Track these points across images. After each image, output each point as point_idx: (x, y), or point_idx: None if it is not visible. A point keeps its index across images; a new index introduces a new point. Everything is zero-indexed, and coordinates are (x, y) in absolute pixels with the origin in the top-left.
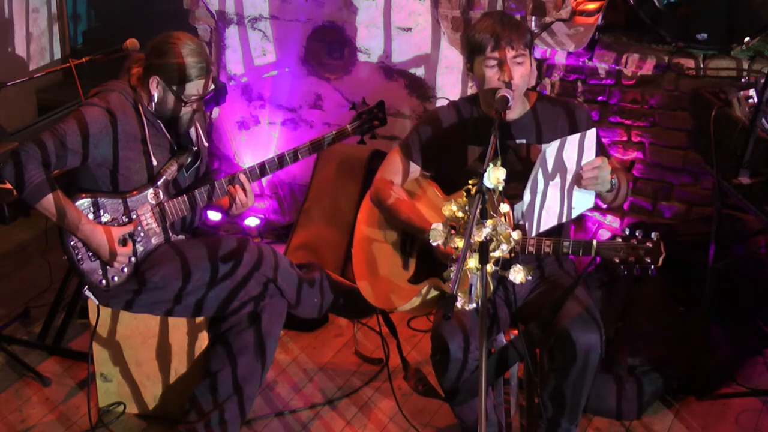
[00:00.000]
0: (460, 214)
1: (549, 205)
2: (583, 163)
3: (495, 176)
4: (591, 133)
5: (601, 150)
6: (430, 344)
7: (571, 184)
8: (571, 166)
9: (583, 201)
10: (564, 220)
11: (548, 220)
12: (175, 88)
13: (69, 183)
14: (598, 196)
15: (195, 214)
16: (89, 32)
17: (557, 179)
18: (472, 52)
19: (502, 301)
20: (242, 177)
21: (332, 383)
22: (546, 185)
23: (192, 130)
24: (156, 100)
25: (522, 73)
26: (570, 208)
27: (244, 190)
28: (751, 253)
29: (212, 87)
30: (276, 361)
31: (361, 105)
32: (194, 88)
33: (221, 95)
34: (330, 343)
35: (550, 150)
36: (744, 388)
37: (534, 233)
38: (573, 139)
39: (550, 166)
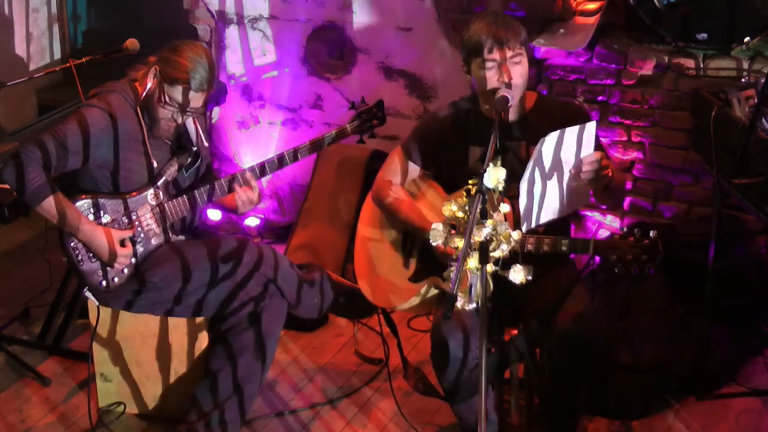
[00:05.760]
0: (460, 214)
1: (544, 200)
2: (581, 157)
3: (495, 176)
4: (590, 126)
5: (598, 147)
6: (430, 344)
7: (569, 179)
8: (568, 160)
9: (578, 197)
10: (559, 215)
11: (543, 214)
12: (165, 85)
13: (69, 184)
14: (593, 193)
15: (195, 215)
16: (89, 32)
17: (554, 173)
18: (469, 54)
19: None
20: (248, 174)
21: (332, 383)
22: (542, 179)
23: (192, 130)
24: (147, 90)
25: (521, 73)
26: (566, 203)
27: (251, 187)
28: (751, 253)
29: (196, 106)
30: (276, 361)
31: (361, 104)
32: (180, 93)
33: (221, 95)
34: (330, 343)
35: (549, 142)
36: (744, 388)
37: (525, 228)
38: (571, 132)
39: (547, 160)
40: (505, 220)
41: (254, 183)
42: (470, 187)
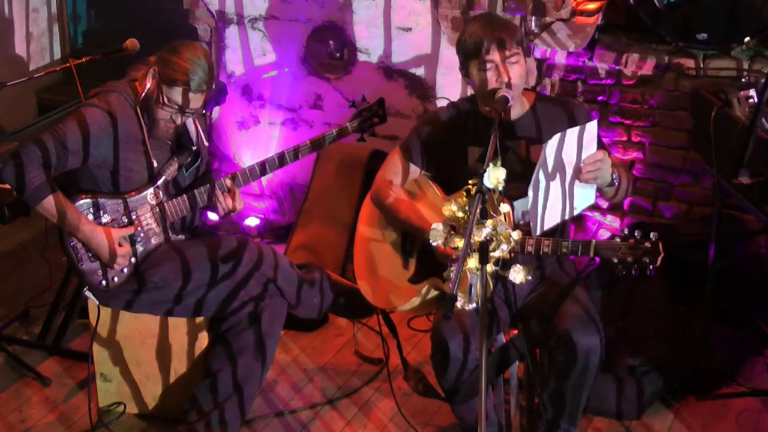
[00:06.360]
0: (460, 214)
1: (550, 203)
2: (584, 157)
3: (495, 176)
4: (591, 126)
5: (600, 145)
6: (430, 344)
7: (573, 180)
8: (572, 161)
9: (584, 197)
10: (567, 216)
11: (551, 217)
12: (164, 86)
13: (69, 183)
14: (599, 191)
15: (195, 214)
16: (89, 32)
17: (558, 175)
18: (467, 56)
19: (501, 301)
20: (228, 182)
21: (332, 383)
22: (548, 182)
23: (192, 130)
24: (146, 90)
25: (519, 73)
26: (572, 204)
27: (234, 196)
28: (751, 253)
29: (196, 107)
30: (276, 361)
31: (361, 102)
32: (178, 95)
33: (221, 95)
34: (330, 343)
35: (551, 145)
36: (744, 388)
37: (538, 232)
38: (573, 133)
39: (551, 162)
40: (505, 220)
41: (237, 192)
42: (470, 187)
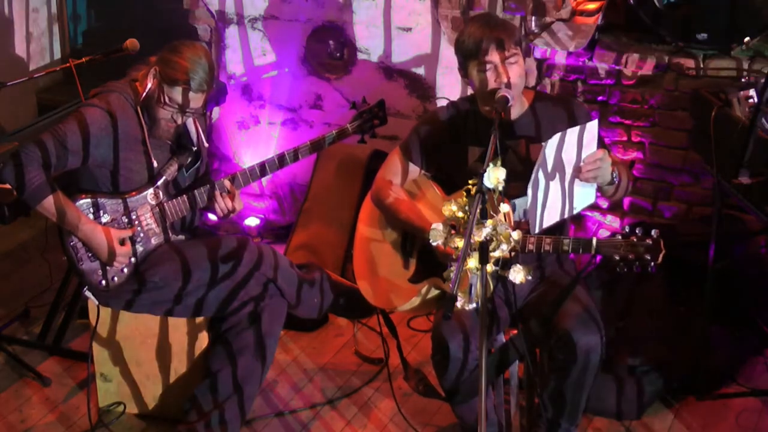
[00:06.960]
0: (460, 214)
1: (550, 202)
2: (584, 156)
3: (495, 176)
4: (592, 126)
5: (600, 143)
6: (430, 344)
7: (572, 179)
8: (572, 160)
9: (584, 196)
10: (566, 215)
11: (551, 216)
12: (165, 86)
13: (69, 183)
14: (599, 189)
15: (195, 214)
16: (89, 32)
17: (558, 174)
18: (466, 57)
19: (502, 301)
20: (227, 183)
21: (332, 383)
22: (547, 181)
23: (192, 130)
24: (147, 90)
25: (519, 73)
26: (572, 203)
27: (233, 197)
28: (751, 253)
29: (196, 107)
30: (276, 361)
31: (362, 104)
32: (179, 94)
33: (221, 95)
34: (330, 343)
35: (551, 144)
36: (744, 388)
37: (537, 230)
38: (573, 132)
39: (551, 161)
40: (505, 220)
41: (237, 192)
42: (470, 187)
